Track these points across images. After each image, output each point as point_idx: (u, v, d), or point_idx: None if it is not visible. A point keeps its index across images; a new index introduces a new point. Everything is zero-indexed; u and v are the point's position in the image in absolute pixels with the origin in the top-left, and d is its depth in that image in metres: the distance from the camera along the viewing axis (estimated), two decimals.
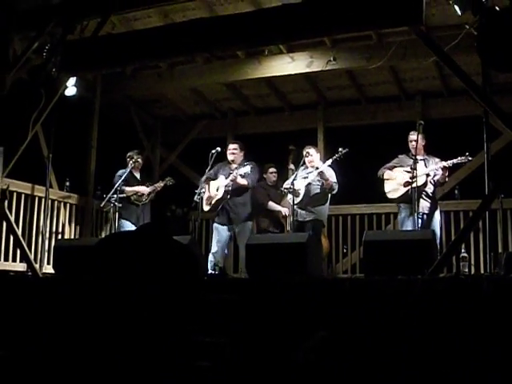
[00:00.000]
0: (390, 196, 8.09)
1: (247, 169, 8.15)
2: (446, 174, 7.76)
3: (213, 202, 8.37)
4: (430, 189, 7.84)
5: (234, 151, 8.57)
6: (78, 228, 9.55)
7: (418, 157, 7.78)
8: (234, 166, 8.46)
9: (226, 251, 8.60)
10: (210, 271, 7.90)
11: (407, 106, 10.21)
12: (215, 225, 8.50)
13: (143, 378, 3.31)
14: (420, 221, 7.61)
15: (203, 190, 8.35)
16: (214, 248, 8.37)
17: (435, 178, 7.83)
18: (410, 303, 4.97)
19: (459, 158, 7.64)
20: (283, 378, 4.88)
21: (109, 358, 2.88)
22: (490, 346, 4.68)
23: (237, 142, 8.86)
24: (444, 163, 7.70)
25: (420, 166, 7.74)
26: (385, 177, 8.10)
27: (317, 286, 5.61)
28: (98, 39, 7.74)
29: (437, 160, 7.88)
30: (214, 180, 8.47)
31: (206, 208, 8.40)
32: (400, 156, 8.19)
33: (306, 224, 8.08)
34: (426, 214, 7.79)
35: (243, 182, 8.29)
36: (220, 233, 8.44)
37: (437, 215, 7.95)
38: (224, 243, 8.44)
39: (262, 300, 5.58)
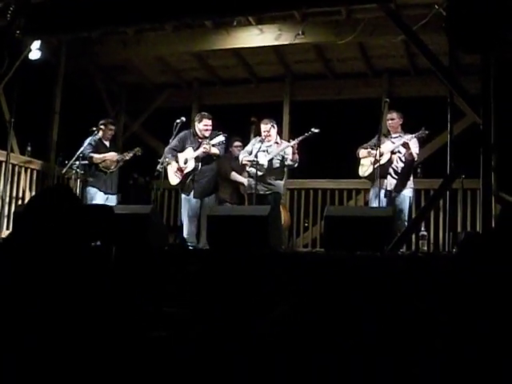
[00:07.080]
0: (364, 175, 8.03)
1: (220, 138, 8.04)
2: (410, 150, 7.66)
3: (183, 175, 8.18)
4: (398, 166, 7.81)
5: (209, 127, 8.28)
6: None
7: (394, 135, 7.87)
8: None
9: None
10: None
11: (374, 83, 10.21)
12: (188, 197, 8.25)
13: (94, 346, 3.29)
14: (386, 199, 7.67)
15: (167, 159, 8.21)
16: (187, 223, 8.17)
17: (402, 155, 7.82)
18: (368, 279, 5.03)
19: (417, 133, 7.64)
20: (244, 350, 4.91)
21: (58, 332, 2.84)
22: (441, 318, 4.77)
23: (210, 117, 8.43)
24: (404, 139, 7.68)
25: (387, 144, 7.76)
26: (359, 156, 8.05)
27: (277, 259, 5.65)
28: (64, 2, 7.62)
29: (408, 137, 7.75)
30: (180, 152, 8.26)
31: (176, 181, 8.19)
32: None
33: (267, 197, 8.07)
34: (392, 191, 7.75)
35: (215, 151, 8.11)
36: (193, 205, 8.23)
37: (406, 193, 7.80)
38: (196, 216, 8.25)
39: (223, 272, 5.60)
